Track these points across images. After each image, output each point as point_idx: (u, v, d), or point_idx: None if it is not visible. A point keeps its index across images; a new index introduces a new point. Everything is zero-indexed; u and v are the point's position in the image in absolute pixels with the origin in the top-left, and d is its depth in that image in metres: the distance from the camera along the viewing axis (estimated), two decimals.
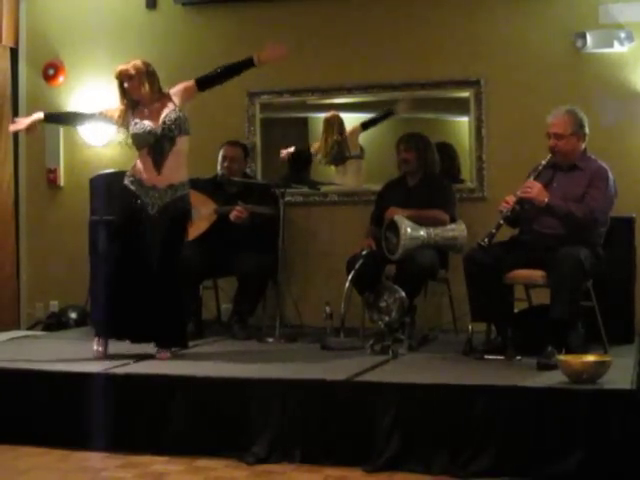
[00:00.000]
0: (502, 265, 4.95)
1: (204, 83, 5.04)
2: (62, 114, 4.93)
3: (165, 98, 4.98)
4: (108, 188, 6.32)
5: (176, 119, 4.92)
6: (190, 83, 5.02)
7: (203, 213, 5.85)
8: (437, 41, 6.36)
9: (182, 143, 4.96)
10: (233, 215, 5.81)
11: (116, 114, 5.02)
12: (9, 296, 7.13)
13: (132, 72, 4.93)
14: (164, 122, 4.91)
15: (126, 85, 4.95)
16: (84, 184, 6.62)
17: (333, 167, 6.50)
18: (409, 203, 5.70)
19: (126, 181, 5.01)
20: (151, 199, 4.93)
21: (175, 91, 5.01)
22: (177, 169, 4.96)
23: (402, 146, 5.88)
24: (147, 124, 4.93)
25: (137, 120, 4.96)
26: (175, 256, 4.97)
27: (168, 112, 4.94)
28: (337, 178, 6.56)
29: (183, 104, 4.99)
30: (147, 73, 4.95)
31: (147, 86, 4.92)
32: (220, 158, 6.16)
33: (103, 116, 5.11)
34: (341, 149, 6.36)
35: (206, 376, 4.47)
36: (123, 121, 5.00)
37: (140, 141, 4.95)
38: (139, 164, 4.99)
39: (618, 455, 3.81)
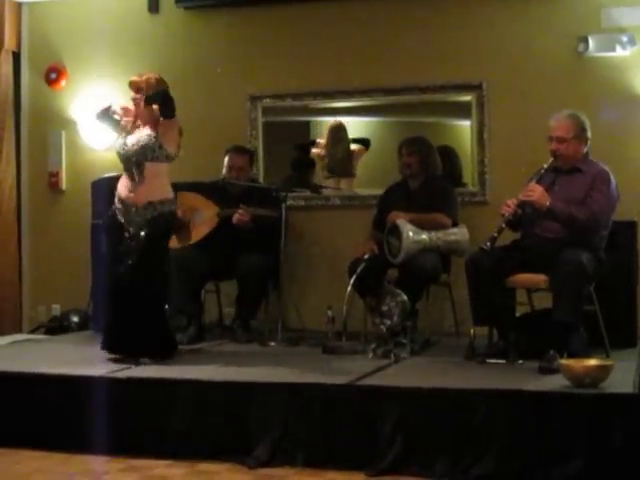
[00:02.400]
0: (504, 269, 4.95)
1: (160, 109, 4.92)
2: None
3: (153, 122, 4.89)
4: (110, 192, 6.31)
5: (145, 145, 4.84)
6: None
7: (205, 216, 5.84)
8: (439, 45, 6.35)
9: (153, 169, 4.86)
10: (235, 218, 5.79)
11: (125, 117, 5.00)
12: (11, 299, 7.13)
13: (142, 85, 4.90)
14: (133, 145, 4.87)
15: (132, 96, 4.93)
16: (86, 188, 6.60)
17: (326, 172, 6.56)
18: (411, 207, 5.69)
19: (115, 199, 4.99)
20: (131, 217, 4.89)
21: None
22: (153, 189, 4.87)
23: (404, 150, 5.87)
24: (121, 143, 4.92)
25: (124, 134, 4.95)
26: (152, 273, 4.88)
27: (141, 136, 4.88)
28: (329, 182, 6.59)
29: (164, 132, 4.89)
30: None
31: (149, 107, 4.87)
32: (226, 166, 6.06)
33: None
34: (349, 164, 6.42)
35: (208, 379, 4.47)
36: (123, 129, 5.00)
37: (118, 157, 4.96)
38: (121, 180, 4.99)
39: (620, 459, 3.80)
